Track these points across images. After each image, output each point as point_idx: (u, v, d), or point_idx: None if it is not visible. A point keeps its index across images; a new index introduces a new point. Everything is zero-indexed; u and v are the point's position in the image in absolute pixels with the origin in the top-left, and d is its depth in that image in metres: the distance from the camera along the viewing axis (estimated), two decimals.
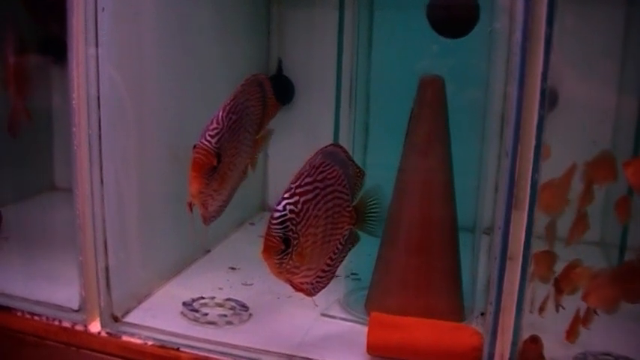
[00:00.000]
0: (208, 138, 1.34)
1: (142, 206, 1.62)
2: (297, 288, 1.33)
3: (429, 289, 1.51)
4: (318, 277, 1.36)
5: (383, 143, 1.63)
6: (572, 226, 1.42)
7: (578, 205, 1.41)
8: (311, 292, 1.36)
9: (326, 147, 1.34)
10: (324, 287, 1.39)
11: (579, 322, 1.34)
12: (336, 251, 1.38)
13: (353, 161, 1.39)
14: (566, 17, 1.23)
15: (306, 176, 1.27)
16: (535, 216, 1.20)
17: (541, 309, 1.36)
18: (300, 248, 1.25)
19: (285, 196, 1.24)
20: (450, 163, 1.50)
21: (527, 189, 1.18)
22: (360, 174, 1.40)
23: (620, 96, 1.91)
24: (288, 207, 1.23)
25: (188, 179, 1.35)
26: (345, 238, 1.39)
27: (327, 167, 1.30)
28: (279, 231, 1.22)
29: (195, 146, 1.34)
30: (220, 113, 1.37)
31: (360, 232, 1.43)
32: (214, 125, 1.35)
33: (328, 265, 1.38)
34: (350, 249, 1.42)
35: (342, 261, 1.42)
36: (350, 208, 1.37)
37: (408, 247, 1.51)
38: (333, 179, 1.32)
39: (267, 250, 1.23)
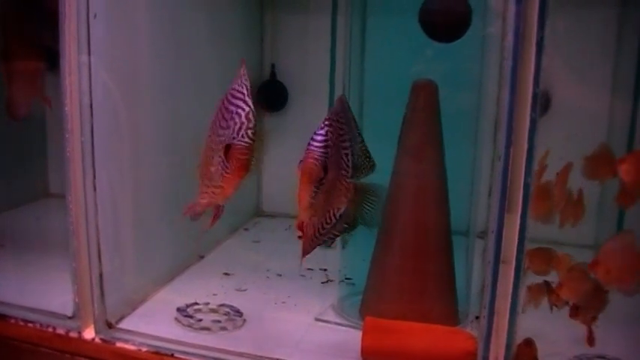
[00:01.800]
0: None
1: (136, 212, 1.61)
2: (305, 237, 1.31)
3: (424, 293, 1.51)
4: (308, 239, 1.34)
5: (376, 148, 1.63)
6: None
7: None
8: (307, 250, 1.35)
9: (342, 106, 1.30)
10: (307, 253, 1.38)
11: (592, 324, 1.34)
12: (329, 220, 1.35)
13: (365, 145, 1.35)
14: (558, 20, 1.23)
15: (338, 113, 1.25)
16: (528, 220, 1.20)
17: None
18: (326, 186, 1.23)
19: (326, 122, 1.23)
20: (443, 167, 1.50)
21: (520, 193, 1.19)
22: (370, 165, 1.36)
23: (613, 99, 1.91)
24: (328, 133, 1.22)
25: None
26: (341, 212, 1.35)
27: (343, 121, 1.28)
28: (322, 155, 1.20)
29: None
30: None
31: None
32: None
33: (319, 231, 1.35)
34: (346, 230, 1.39)
35: (334, 237, 1.39)
36: (350, 180, 1.33)
37: (402, 252, 1.51)
38: (345, 137, 1.29)
39: (309, 173, 1.20)
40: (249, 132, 1.21)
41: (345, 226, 1.37)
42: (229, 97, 1.24)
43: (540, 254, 1.37)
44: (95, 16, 1.38)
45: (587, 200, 1.43)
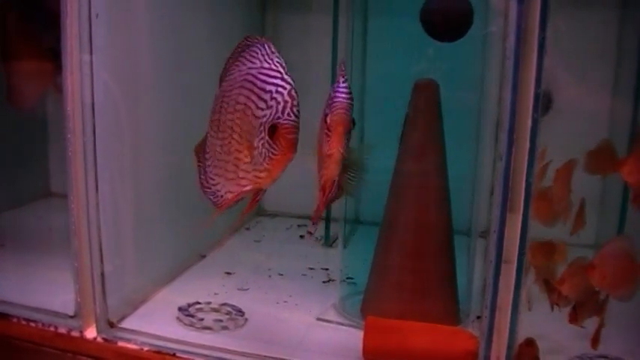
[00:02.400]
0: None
1: (138, 212, 1.62)
2: (324, 197, 1.29)
3: (425, 293, 1.51)
4: None
5: (378, 147, 1.63)
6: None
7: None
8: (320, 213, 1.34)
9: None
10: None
11: (602, 327, 1.34)
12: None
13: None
14: (560, 20, 1.23)
15: (343, 74, 1.26)
16: (530, 219, 1.20)
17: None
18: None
19: (344, 78, 1.24)
20: (445, 166, 1.50)
21: (522, 192, 1.19)
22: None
23: (614, 99, 1.91)
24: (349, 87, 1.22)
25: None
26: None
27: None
28: (350, 106, 1.20)
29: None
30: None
31: None
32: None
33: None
34: (330, 200, 1.36)
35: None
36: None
37: (403, 251, 1.51)
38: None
39: (344, 124, 1.19)
40: (295, 109, 1.17)
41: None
42: (261, 77, 1.21)
43: (542, 247, 1.37)
44: (97, 15, 1.38)
45: (588, 198, 1.44)
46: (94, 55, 1.40)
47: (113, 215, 1.51)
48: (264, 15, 2.30)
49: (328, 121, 1.22)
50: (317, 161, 1.30)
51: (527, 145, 1.16)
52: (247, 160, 1.24)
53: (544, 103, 1.18)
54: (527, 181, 1.18)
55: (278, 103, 1.17)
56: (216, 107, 1.31)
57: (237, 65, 1.29)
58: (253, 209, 1.30)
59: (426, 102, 1.48)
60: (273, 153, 1.18)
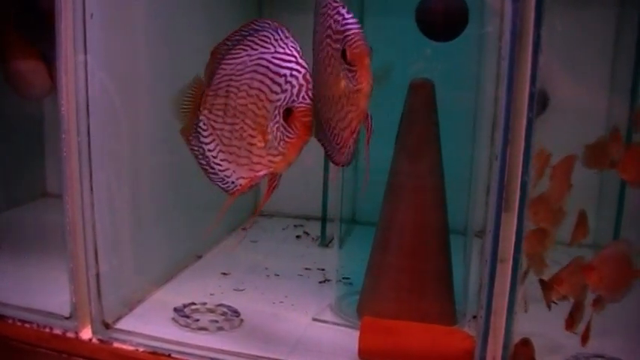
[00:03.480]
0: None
1: (134, 212, 1.61)
2: (351, 139, 1.25)
3: (421, 292, 1.51)
4: None
5: (374, 147, 1.63)
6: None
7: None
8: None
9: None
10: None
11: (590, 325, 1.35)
12: None
13: None
14: (556, 19, 1.23)
15: None
16: (525, 218, 1.21)
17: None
18: None
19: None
20: (441, 166, 1.50)
21: (517, 192, 1.19)
22: None
23: (611, 98, 1.91)
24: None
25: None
26: None
27: None
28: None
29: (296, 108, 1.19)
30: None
31: None
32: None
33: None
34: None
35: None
36: None
37: (399, 251, 1.51)
38: None
39: (368, 54, 1.16)
40: (310, 93, 1.18)
41: None
42: (275, 61, 1.21)
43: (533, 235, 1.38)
44: (92, 15, 1.38)
45: (585, 197, 1.44)
46: (89, 55, 1.39)
47: (109, 215, 1.51)
48: (261, 14, 2.30)
49: (348, 55, 1.17)
50: (321, 108, 1.27)
51: (523, 144, 1.16)
52: (261, 144, 1.24)
53: (540, 101, 1.18)
54: (522, 180, 1.18)
55: (293, 86, 1.18)
56: (220, 91, 1.31)
57: (244, 49, 1.28)
58: (269, 198, 1.29)
59: (421, 102, 1.48)
60: (288, 136, 1.19)
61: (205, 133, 1.35)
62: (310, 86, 1.18)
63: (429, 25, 1.44)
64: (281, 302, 1.65)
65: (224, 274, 1.83)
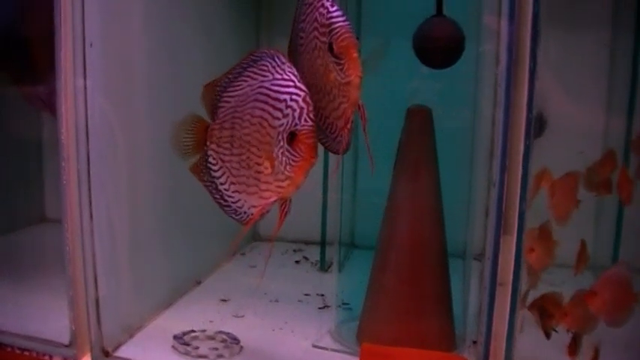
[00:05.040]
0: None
1: (133, 238, 1.61)
2: (350, 120, 1.26)
3: (421, 315, 1.51)
4: None
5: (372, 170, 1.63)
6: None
7: None
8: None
9: None
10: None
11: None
12: None
13: None
14: (552, 44, 1.24)
15: None
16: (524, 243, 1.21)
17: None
18: None
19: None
20: (439, 190, 1.51)
21: (516, 216, 1.19)
22: None
23: (608, 119, 1.92)
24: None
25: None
26: None
27: None
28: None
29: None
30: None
31: None
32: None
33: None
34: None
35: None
36: None
37: (398, 274, 1.51)
38: None
39: (356, 46, 1.18)
40: (311, 114, 1.18)
41: None
42: (274, 88, 1.22)
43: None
44: (91, 45, 1.39)
45: (584, 212, 1.44)
46: (88, 82, 1.40)
47: (108, 242, 1.51)
48: (259, 37, 2.31)
49: (335, 48, 1.19)
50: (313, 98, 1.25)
51: (520, 170, 1.17)
52: (269, 171, 1.24)
53: (537, 125, 1.19)
54: (520, 206, 1.19)
55: (294, 110, 1.18)
56: (225, 124, 1.32)
57: (245, 80, 1.30)
58: (283, 223, 1.30)
59: (419, 127, 1.49)
60: (294, 160, 1.19)
61: (216, 167, 1.36)
62: (311, 108, 1.18)
63: (425, 53, 1.45)
64: (280, 328, 1.64)
65: (223, 300, 1.83)
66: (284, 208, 1.28)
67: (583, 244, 1.41)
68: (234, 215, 1.37)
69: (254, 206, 1.32)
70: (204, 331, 1.58)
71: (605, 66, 1.94)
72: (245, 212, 1.35)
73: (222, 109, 1.34)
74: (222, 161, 1.35)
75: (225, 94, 1.34)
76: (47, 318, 1.61)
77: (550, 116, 1.67)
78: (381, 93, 1.70)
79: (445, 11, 1.47)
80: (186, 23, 1.82)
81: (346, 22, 1.20)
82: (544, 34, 1.16)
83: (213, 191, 1.38)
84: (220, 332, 1.58)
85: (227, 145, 1.33)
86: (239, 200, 1.34)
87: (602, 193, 1.45)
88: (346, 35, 1.18)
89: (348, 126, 1.26)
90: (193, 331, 1.58)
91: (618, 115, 1.87)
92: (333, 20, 1.20)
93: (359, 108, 1.24)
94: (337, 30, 1.19)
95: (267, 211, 1.32)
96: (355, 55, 1.19)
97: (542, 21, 1.15)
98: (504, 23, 1.15)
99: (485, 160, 1.26)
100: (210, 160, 1.37)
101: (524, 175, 1.17)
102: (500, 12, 1.16)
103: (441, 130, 1.50)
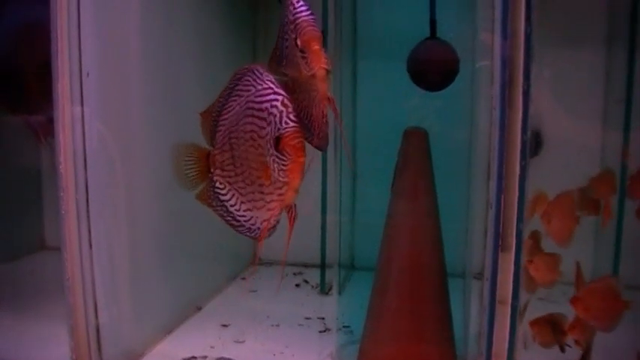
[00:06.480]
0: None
1: (133, 265, 1.61)
2: (325, 115, 1.25)
3: (421, 336, 1.50)
4: None
5: (370, 191, 1.64)
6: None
7: None
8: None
9: None
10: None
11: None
12: None
13: None
14: (546, 64, 1.25)
15: None
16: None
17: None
18: None
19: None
20: (436, 210, 1.51)
21: (514, 236, 1.20)
22: None
23: (605, 135, 1.93)
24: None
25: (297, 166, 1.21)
26: None
27: None
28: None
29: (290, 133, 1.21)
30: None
31: None
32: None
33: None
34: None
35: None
36: None
37: (398, 295, 1.50)
38: None
39: (318, 39, 1.17)
40: (292, 115, 1.19)
41: None
42: (257, 99, 1.24)
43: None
44: (88, 74, 1.40)
45: (584, 226, 1.45)
46: (86, 111, 1.41)
47: (108, 270, 1.51)
48: (255, 52, 2.32)
49: (299, 42, 1.20)
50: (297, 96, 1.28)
51: (517, 192, 1.17)
52: (268, 182, 1.25)
53: (533, 144, 1.20)
54: (517, 227, 1.19)
55: (274, 115, 1.20)
56: (225, 146, 1.34)
57: (234, 100, 1.32)
58: (292, 233, 1.30)
59: (415, 149, 1.49)
60: (284, 164, 1.20)
61: (224, 191, 1.37)
62: (290, 110, 1.19)
63: (420, 76, 1.46)
64: (282, 353, 1.64)
65: (224, 325, 1.83)
66: (291, 214, 1.28)
67: (578, 267, 1.42)
68: (248, 233, 1.37)
69: (265, 220, 1.32)
70: (205, 357, 1.58)
71: (601, 83, 1.95)
72: (258, 228, 1.35)
73: (220, 133, 1.35)
74: (229, 183, 1.36)
75: (220, 118, 1.36)
76: (48, 346, 1.60)
77: (546, 135, 1.68)
78: (377, 115, 1.71)
79: (438, 33, 1.49)
80: (183, 48, 1.83)
81: (309, 17, 1.20)
82: (538, 53, 1.17)
83: (224, 214, 1.39)
84: (222, 358, 1.58)
85: (230, 167, 1.34)
86: (251, 218, 1.35)
87: (591, 214, 1.47)
88: (308, 29, 1.19)
89: (324, 120, 1.25)
90: (194, 357, 1.57)
91: (615, 134, 1.89)
92: (297, 15, 1.21)
93: (328, 100, 1.23)
94: (300, 24, 1.20)
95: (277, 222, 1.32)
96: (317, 47, 1.18)
97: (535, 40, 1.16)
98: (497, 44, 1.16)
99: (482, 178, 1.27)
100: (217, 185, 1.38)
101: (520, 195, 1.18)
102: (493, 32, 1.17)
103: (439, 151, 1.51)
